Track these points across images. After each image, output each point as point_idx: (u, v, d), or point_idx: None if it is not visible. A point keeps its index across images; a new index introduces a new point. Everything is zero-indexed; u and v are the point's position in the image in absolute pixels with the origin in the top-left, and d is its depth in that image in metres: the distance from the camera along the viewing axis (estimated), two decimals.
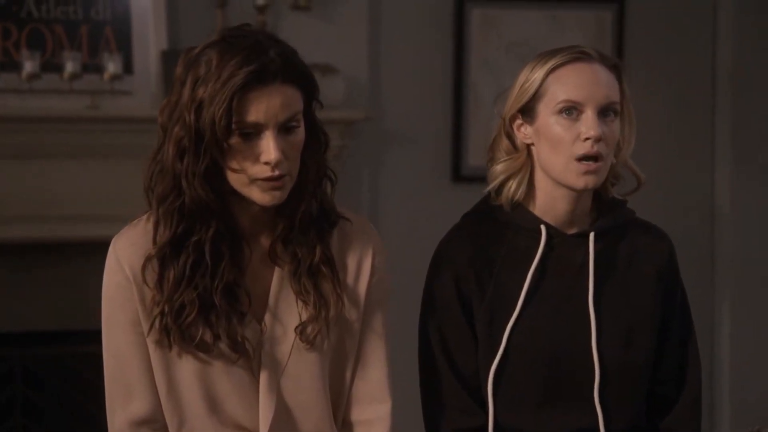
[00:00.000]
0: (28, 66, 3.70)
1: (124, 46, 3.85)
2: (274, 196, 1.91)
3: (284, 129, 1.90)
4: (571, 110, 2.07)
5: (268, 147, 1.88)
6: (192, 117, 1.88)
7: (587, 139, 2.05)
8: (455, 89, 4.31)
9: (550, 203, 2.13)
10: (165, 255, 1.93)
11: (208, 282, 1.93)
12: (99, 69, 3.79)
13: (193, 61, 1.91)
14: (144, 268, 1.94)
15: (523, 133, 2.13)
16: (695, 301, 4.64)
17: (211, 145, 1.88)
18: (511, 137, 2.15)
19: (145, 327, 1.95)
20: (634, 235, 2.19)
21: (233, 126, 1.87)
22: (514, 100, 2.13)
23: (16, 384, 3.98)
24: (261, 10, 3.94)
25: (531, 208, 2.14)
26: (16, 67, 3.74)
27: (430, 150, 4.32)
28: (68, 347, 3.87)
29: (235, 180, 1.91)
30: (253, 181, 1.90)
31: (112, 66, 3.75)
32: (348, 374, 2.05)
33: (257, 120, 1.88)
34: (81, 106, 3.77)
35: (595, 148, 2.05)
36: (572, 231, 2.14)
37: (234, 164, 1.90)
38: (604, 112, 2.08)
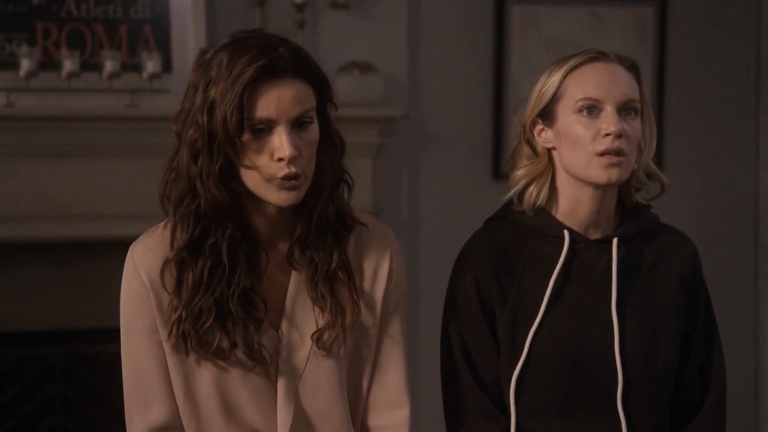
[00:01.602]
0: (68, 65, 3.71)
1: (163, 44, 3.85)
2: (290, 195, 1.90)
3: (297, 125, 1.89)
4: (591, 109, 2.06)
5: (282, 143, 1.88)
6: (205, 118, 1.88)
7: (607, 135, 2.04)
8: (495, 86, 4.29)
9: (573, 206, 2.11)
10: (183, 259, 1.93)
11: (225, 288, 1.92)
12: (138, 68, 3.79)
13: (205, 65, 1.91)
14: (162, 272, 1.94)
15: (544, 137, 2.13)
16: (739, 304, 4.62)
17: (224, 143, 1.87)
18: (531, 144, 2.15)
19: (163, 333, 1.95)
20: (658, 240, 2.17)
21: (245, 123, 1.87)
22: (534, 105, 2.13)
23: (57, 381, 4.00)
24: (299, 8, 3.93)
25: (554, 213, 2.13)
26: (56, 66, 3.75)
27: (470, 147, 4.29)
28: (108, 345, 3.87)
29: (250, 180, 1.91)
30: (270, 180, 1.89)
31: (151, 65, 3.76)
32: (365, 380, 2.04)
33: (269, 115, 1.88)
34: (120, 104, 3.78)
35: (616, 144, 2.04)
36: (596, 236, 2.13)
37: (248, 163, 1.89)
38: (623, 110, 2.07)
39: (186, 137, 1.90)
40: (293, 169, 1.88)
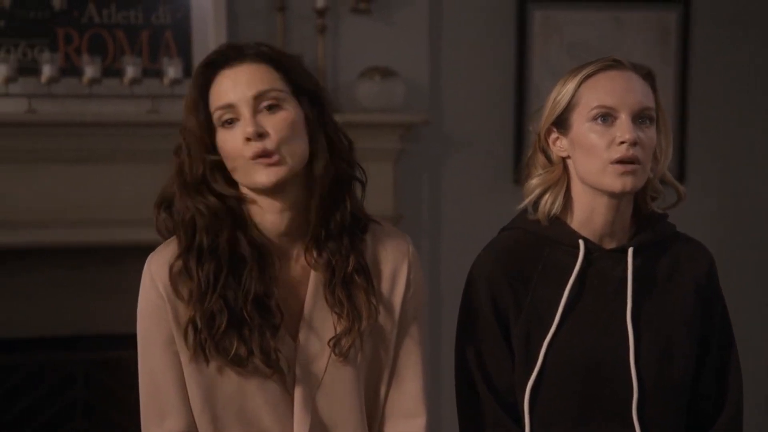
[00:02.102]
0: (89, 71, 3.71)
1: (184, 50, 3.86)
2: (269, 172, 1.90)
3: (266, 108, 1.91)
4: (605, 117, 2.05)
5: (245, 122, 1.89)
6: (183, 134, 1.93)
7: (622, 143, 2.02)
8: (517, 92, 4.27)
9: (588, 215, 2.10)
10: (188, 266, 1.93)
11: (234, 288, 1.92)
12: (159, 73, 3.80)
13: (184, 105, 1.96)
14: (173, 281, 1.93)
15: (559, 146, 2.12)
16: (764, 313, 4.54)
17: (198, 146, 1.90)
18: (546, 153, 2.14)
19: (180, 344, 1.95)
20: (674, 250, 2.15)
21: (213, 118, 1.90)
22: (548, 114, 2.12)
23: (77, 387, 4.01)
24: (320, 13, 3.92)
25: (569, 223, 2.12)
26: (78, 72, 3.76)
27: (491, 153, 4.28)
28: (129, 350, 3.86)
29: (239, 173, 1.92)
30: (247, 162, 1.90)
31: (172, 70, 3.76)
32: (383, 387, 2.03)
33: (228, 100, 1.90)
34: (141, 110, 3.78)
35: (631, 152, 2.02)
36: (611, 246, 2.11)
37: (229, 156, 1.91)
38: (638, 118, 2.06)
39: (178, 152, 1.95)
40: (260, 146, 1.89)
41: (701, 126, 4.42)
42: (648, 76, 2.10)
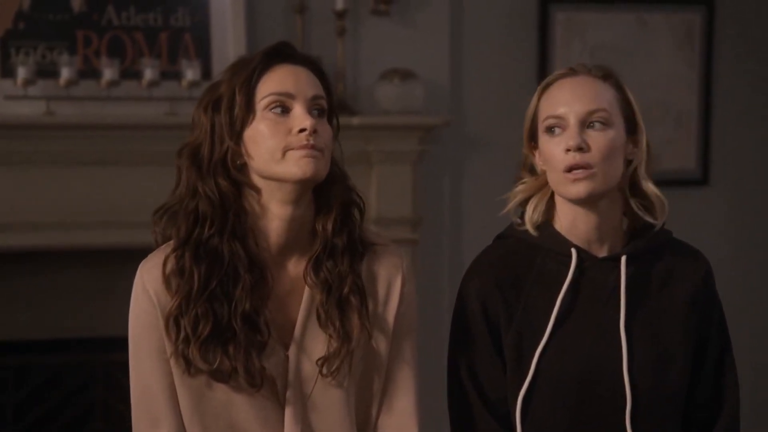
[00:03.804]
0: (108, 73, 3.71)
1: (203, 52, 3.85)
2: (308, 163, 1.88)
3: (314, 110, 1.91)
4: (556, 126, 2.04)
5: (302, 115, 1.89)
6: (209, 113, 1.90)
7: (568, 150, 2.00)
8: None
9: (571, 223, 2.08)
10: (183, 260, 1.90)
11: (224, 301, 1.89)
12: (178, 76, 3.79)
13: (209, 89, 1.94)
14: (165, 278, 1.90)
15: (538, 159, 2.12)
16: None
17: (230, 123, 1.87)
18: (533, 168, 2.14)
19: (169, 351, 1.92)
20: (669, 257, 2.12)
21: (257, 104, 1.88)
22: (525, 129, 2.13)
23: (97, 388, 4.01)
24: (340, 15, 3.90)
25: (558, 230, 2.10)
26: (96, 74, 3.76)
27: (512, 155, 4.22)
28: None
29: (263, 163, 1.89)
30: (286, 152, 1.88)
31: (191, 73, 3.75)
32: (375, 403, 2.02)
33: (288, 90, 1.89)
34: (159, 113, 3.77)
35: (578, 158, 2.00)
36: (603, 253, 2.09)
37: (269, 143, 1.87)
38: (588, 122, 2.03)
39: (186, 147, 1.93)
40: (312, 140, 1.87)
41: (725, 127, 4.38)
42: (607, 77, 2.07)
